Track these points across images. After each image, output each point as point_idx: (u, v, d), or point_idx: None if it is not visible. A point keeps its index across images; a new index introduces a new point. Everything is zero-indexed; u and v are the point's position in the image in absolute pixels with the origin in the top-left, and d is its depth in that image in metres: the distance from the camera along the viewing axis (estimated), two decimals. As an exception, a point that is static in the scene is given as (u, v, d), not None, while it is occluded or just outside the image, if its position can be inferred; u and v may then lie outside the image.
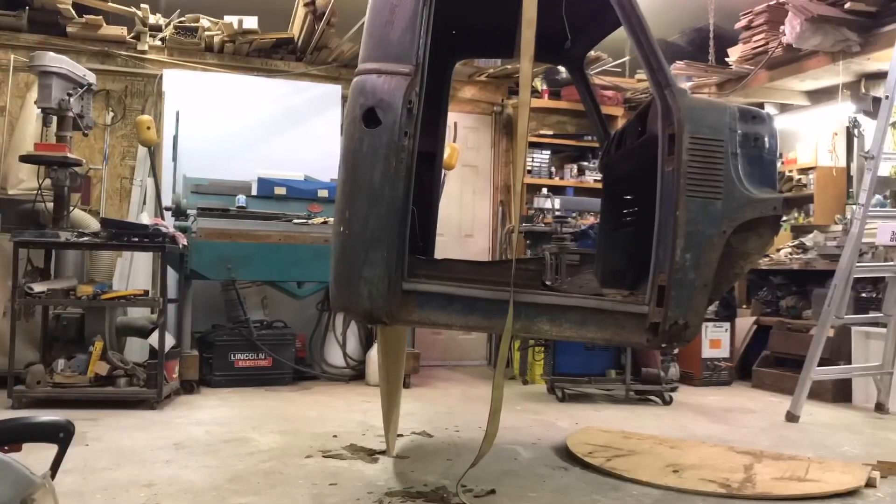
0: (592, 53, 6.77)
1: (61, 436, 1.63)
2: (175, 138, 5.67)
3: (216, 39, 6.20)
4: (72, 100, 4.71)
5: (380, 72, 2.69)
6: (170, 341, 4.81)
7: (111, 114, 6.19)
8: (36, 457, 1.65)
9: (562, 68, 6.90)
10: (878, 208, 5.53)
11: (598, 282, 3.71)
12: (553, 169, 7.32)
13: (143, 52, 6.19)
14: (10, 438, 1.61)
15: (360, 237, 2.66)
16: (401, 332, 3.81)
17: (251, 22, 6.08)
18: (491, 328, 2.84)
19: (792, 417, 4.67)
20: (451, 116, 6.91)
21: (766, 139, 2.86)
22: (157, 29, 6.25)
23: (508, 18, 3.54)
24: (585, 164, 7.34)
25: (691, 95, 2.92)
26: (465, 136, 7.14)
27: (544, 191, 7.03)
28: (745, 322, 6.49)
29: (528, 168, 7.14)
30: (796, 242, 6.49)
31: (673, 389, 5.38)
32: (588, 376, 5.47)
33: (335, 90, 6.51)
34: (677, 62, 6.55)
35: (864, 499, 3.06)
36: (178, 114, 5.69)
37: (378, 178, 2.64)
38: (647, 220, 3.58)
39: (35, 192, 4.87)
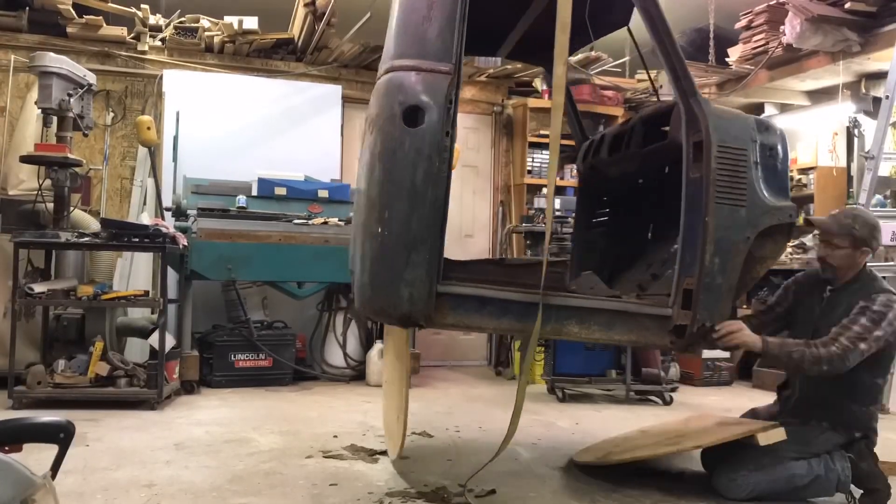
0: (593, 53, 6.78)
1: (62, 436, 1.63)
2: (175, 138, 5.68)
3: (216, 40, 6.20)
4: (72, 100, 4.71)
5: (418, 69, 2.64)
6: (170, 342, 4.81)
7: (111, 114, 6.19)
8: (36, 457, 1.65)
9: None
10: (878, 208, 5.53)
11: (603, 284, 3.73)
12: (553, 169, 7.30)
13: (143, 52, 6.19)
14: (10, 439, 1.61)
15: (402, 239, 2.61)
16: (406, 334, 3.83)
17: (251, 22, 6.08)
18: (523, 330, 2.84)
19: (792, 417, 4.65)
20: (451, 116, 6.96)
21: (780, 149, 2.96)
22: (157, 29, 6.25)
23: (498, 17, 3.54)
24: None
25: (715, 105, 2.95)
26: (465, 136, 7.13)
27: (544, 191, 7.03)
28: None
29: (529, 168, 7.15)
30: (797, 242, 6.49)
31: (673, 390, 5.38)
32: (588, 376, 5.47)
33: (335, 90, 6.51)
34: (677, 62, 6.55)
35: (864, 499, 3.05)
36: (178, 114, 5.70)
37: (420, 178, 2.60)
38: (621, 219, 3.61)
39: (35, 192, 4.87)
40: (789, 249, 6.48)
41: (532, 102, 7.09)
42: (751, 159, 2.82)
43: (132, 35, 6.16)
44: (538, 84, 7.31)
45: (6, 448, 1.59)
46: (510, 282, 2.88)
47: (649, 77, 3.88)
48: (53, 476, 1.59)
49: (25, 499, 1.50)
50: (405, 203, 2.61)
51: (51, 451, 1.62)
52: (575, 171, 7.29)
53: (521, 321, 2.77)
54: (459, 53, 2.67)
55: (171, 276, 5.15)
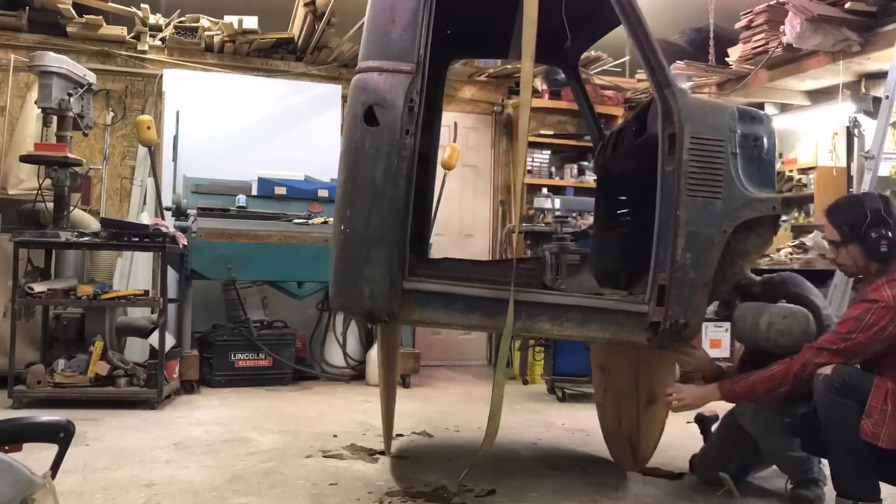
0: (593, 53, 6.77)
1: (61, 436, 1.63)
2: (175, 138, 5.67)
3: (216, 39, 6.20)
4: (72, 100, 4.71)
5: (381, 70, 2.68)
6: (170, 341, 4.81)
7: (111, 114, 6.19)
8: (36, 457, 1.66)
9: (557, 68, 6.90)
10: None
11: (594, 282, 3.72)
12: (553, 169, 7.31)
13: (143, 52, 6.19)
14: (10, 438, 1.62)
15: (362, 236, 2.65)
16: (398, 331, 3.82)
17: (251, 22, 6.08)
18: (492, 327, 2.83)
19: (792, 417, 4.66)
20: (451, 116, 6.97)
21: (765, 139, 2.88)
22: (157, 29, 6.25)
23: (503, 18, 3.53)
24: (585, 164, 7.33)
25: (691, 95, 2.92)
26: (465, 136, 7.13)
27: (544, 191, 7.03)
28: (746, 322, 6.47)
29: (529, 168, 7.14)
30: (796, 242, 6.48)
31: (673, 389, 5.37)
32: (588, 376, 5.45)
33: (335, 90, 6.51)
34: (677, 62, 6.55)
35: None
36: (178, 114, 5.69)
37: (380, 176, 2.63)
38: (641, 220, 3.58)
39: (35, 192, 4.87)
40: (789, 249, 6.48)
41: (532, 102, 7.07)
42: (728, 150, 2.76)
43: (132, 35, 6.15)
44: (538, 83, 7.31)
45: (6, 448, 1.59)
46: (480, 279, 2.86)
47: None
48: (53, 475, 1.60)
49: (25, 498, 1.51)
50: (365, 201, 2.65)
51: (51, 450, 1.62)
52: (575, 170, 7.34)
53: (490, 318, 2.75)
54: (423, 54, 2.69)
55: (171, 275, 5.15)
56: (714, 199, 2.72)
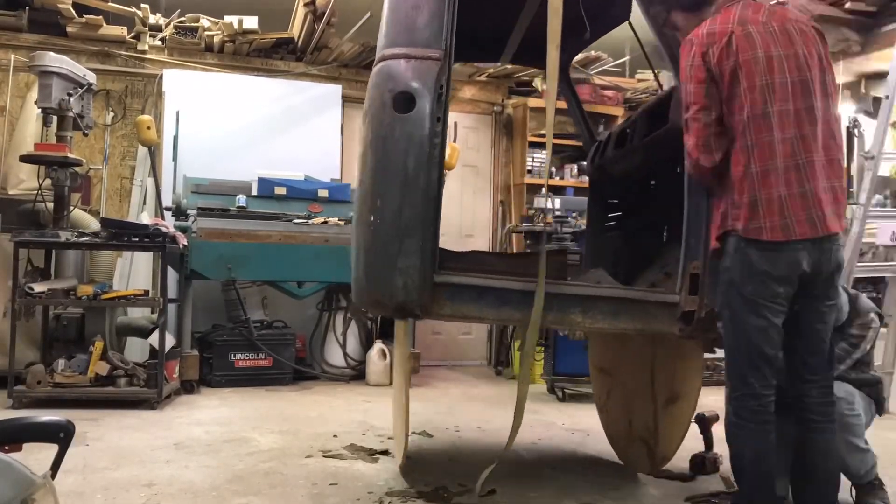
0: (592, 53, 6.78)
1: (62, 436, 1.63)
2: (175, 138, 5.68)
3: (216, 39, 6.20)
4: (72, 100, 4.71)
5: (409, 56, 2.61)
6: (170, 341, 4.81)
7: (111, 114, 6.19)
8: (36, 457, 1.66)
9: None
10: (878, 208, 5.53)
11: (609, 277, 3.71)
12: (553, 169, 7.31)
13: (143, 52, 6.19)
14: (10, 438, 1.62)
15: (394, 227, 2.56)
16: (405, 335, 3.81)
17: (251, 22, 6.08)
18: (524, 320, 2.73)
19: (792, 417, 4.65)
20: (452, 116, 6.95)
21: None
22: (157, 29, 6.25)
23: (498, 22, 3.53)
24: (585, 164, 7.33)
25: None
26: (465, 135, 7.14)
27: (544, 191, 7.03)
28: (746, 322, 6.48)
29: (529, 168, 7.14)
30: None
31: (673, 389, 5.37)
32: (588, 376, 5.46)
33: (335, 90, 6.52)
34: (677, 62, 6.54)
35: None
36: (178, 114, 5.70)
37: (412, 164, 2.55)
38: (640, 219, 3.57)
39: (35, 192, 4.87)
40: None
41: (532, 102, 7.09)
42: None
43: (132, 35, 6.15)
44: (538, 84, 7.31)
45: (6, 448, 1.59)
46: (509, 272, 2.81)
47: (654, 74, 3.85)
48: (53, 476, 1.60)
49: (25, 498, 1.51)
50: (397, 190, 2.56)
51: (51, 450, 1.62)
52: (575, 170, 7.33)
53: (520, 310, 2.69)
54: (450, 40, 2.64)
55: (171, 275, 5.15)
56: None
